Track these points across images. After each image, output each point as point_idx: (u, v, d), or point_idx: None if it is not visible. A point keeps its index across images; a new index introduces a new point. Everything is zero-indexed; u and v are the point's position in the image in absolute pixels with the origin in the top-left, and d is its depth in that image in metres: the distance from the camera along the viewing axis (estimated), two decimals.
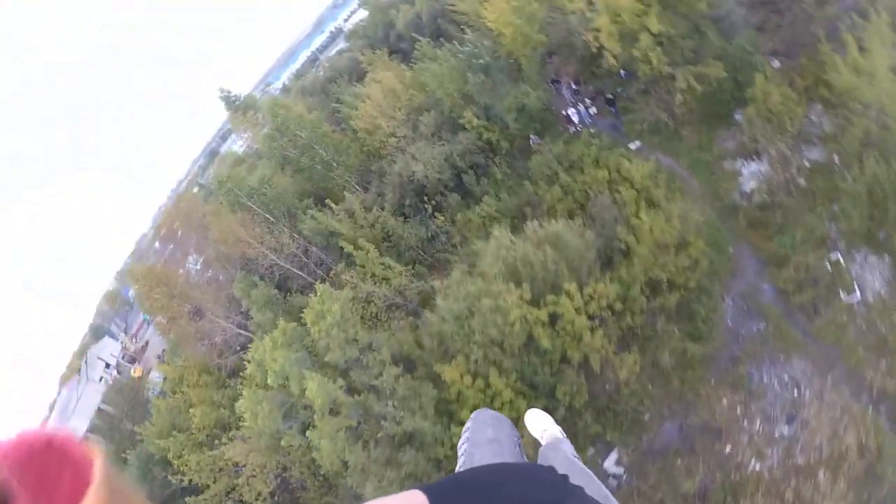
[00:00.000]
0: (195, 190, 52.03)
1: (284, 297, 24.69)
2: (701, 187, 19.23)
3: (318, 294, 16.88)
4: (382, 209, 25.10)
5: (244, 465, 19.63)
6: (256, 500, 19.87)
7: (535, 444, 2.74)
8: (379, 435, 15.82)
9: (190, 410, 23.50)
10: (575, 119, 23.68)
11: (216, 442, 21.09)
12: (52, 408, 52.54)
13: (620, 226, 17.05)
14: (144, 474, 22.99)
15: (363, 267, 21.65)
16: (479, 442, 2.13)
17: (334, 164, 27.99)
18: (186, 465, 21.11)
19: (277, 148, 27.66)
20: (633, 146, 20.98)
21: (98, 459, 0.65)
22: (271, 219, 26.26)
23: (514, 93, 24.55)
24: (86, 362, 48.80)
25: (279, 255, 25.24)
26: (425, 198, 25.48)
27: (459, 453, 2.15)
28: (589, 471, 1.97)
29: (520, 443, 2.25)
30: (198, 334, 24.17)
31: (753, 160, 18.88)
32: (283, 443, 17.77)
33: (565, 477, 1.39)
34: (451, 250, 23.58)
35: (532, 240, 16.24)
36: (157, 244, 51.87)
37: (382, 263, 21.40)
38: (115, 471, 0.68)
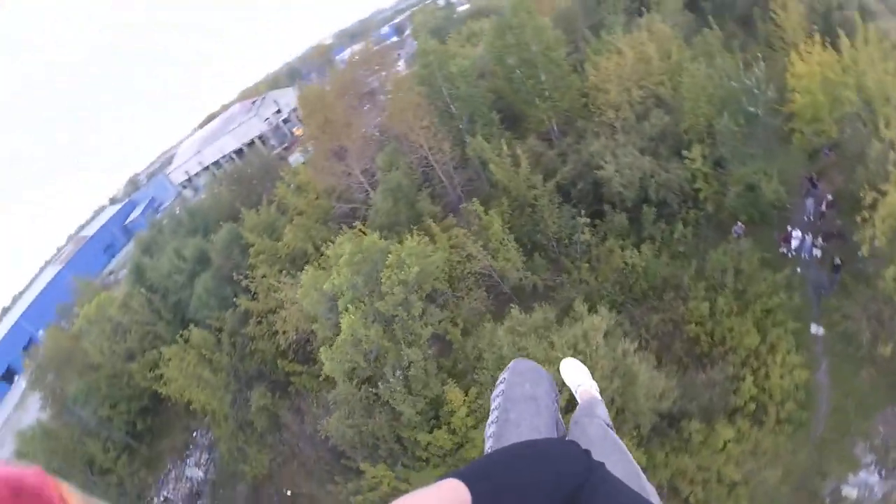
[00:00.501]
0: None
1: (414, 193, 26.06)
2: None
3: (407, 248, 18.04)
4: (553, 177, 24.22)
5: (288, 309, 23.34)
6: (279, 334, 23.91)
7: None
8: (372, 388, 17.97)
9: (287, 226, 27.40)
10: (793, 244, 20.16)
11: (284, 272, 24.95)
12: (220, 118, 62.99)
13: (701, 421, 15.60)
14: (229, 245, 28.10)
15: (486, 229, 22.11)
16: (515, 397, 2.06)
17: (546, 94, 26.84)
18: (254, 270, 25.49)
19: (500, 47, 26.91)
20: (814, 330, 17.81)
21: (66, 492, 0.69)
22: (447, 115, 26.78)
23: (759, 162, 21.12)
24: (264, 98, 56.64)
25: (433, 153, 26.26)
26: (594, 197, 24.30)
27: (493, 406, 2.11)
28: (622, 444, 2.02)
29: (558, 400, 2.18)
30: (329, 171, 27.02)
31: None
32: (314, 325, 20.78)
33: (588, 458, 1.45)
34: (574, 267, 23.03)
35: (616, 354, 15.61)
36: None
37: (502, 240, 21.69)
38: None
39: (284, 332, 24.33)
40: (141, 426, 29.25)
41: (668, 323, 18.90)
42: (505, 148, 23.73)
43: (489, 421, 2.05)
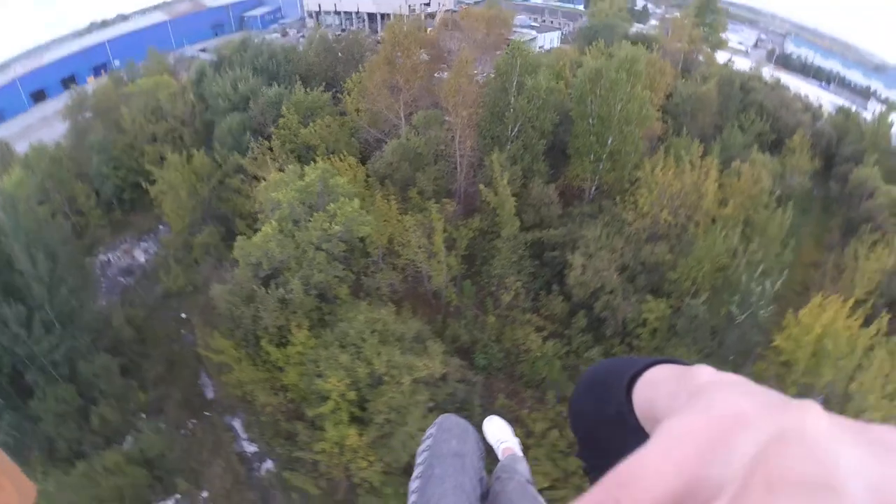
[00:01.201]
0: None
1: (422, 162, 30.35)
2: None
3: (351, 206, 22.90)
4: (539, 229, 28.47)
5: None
6: (253, 200, 29.32)
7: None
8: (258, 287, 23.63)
9: (318, 121, 32.40)
10: None
11: (289, 155, 30.38)
12: None
13: None
14: (272, 105, 33.65)
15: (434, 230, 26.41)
16: (442, 453, 2.25)
17: (601, 160, 29.93)
18: (270, 140, 30.99)
19: (588, 91, 29.41)
20: None
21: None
22: (498, 116, 30.29)
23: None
24: None
25: (461, 141, 30.22)
26: (556, 272, 27.94)
27: (418, 461, 2.28)
28: (541, 499, 2.25)
29: (483, 456, 2.41)
30: (379, 96, 31.38)
31: None
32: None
33: None
34: (484, 312, 27.31)
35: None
36: None
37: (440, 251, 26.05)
38: None
39: (256, 202, 30.19)
40: (127, 195, 36.84)
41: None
42: (504, 181, 27.22)
43: (414, 476, 2.30)
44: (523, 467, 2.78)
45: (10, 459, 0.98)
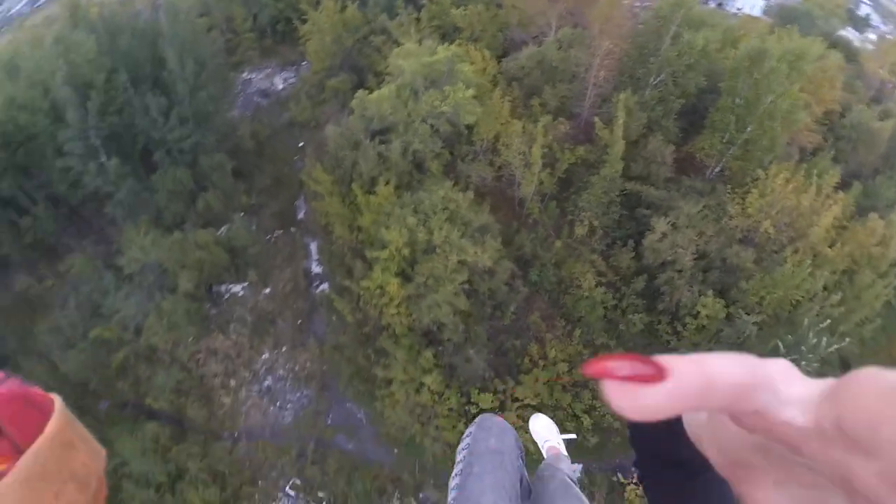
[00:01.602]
0: None
1: (548, 76, 31.99)
2: None
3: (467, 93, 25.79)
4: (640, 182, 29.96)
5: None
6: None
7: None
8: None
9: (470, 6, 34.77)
10: None
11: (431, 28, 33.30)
12: None
13: None
14: None
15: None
16: (480, 451, 2.37)
17: (734, 136, 29.97)
18: (403, 24, 33.96)
19: (744, 69, 29.29)
20: None
21: (58, 405, 1.11)
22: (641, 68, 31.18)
23: None
24: None
25: (596, 73, 31.58)
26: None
27: (458, 459, 2.40)
28: (584, 498, 2.39)
29: (523, 456, 2.53)
30: None
31: None
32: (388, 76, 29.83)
33: None
34: (554, 238, 29.76)
35: None
36: None
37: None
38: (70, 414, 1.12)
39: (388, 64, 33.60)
40: (280, 27, 41.62)
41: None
42: (620, 122, 28.27)
43: (453, 473, 2.44)
44: (566, 465, 2.96)
45: (80, 423, 1.18)
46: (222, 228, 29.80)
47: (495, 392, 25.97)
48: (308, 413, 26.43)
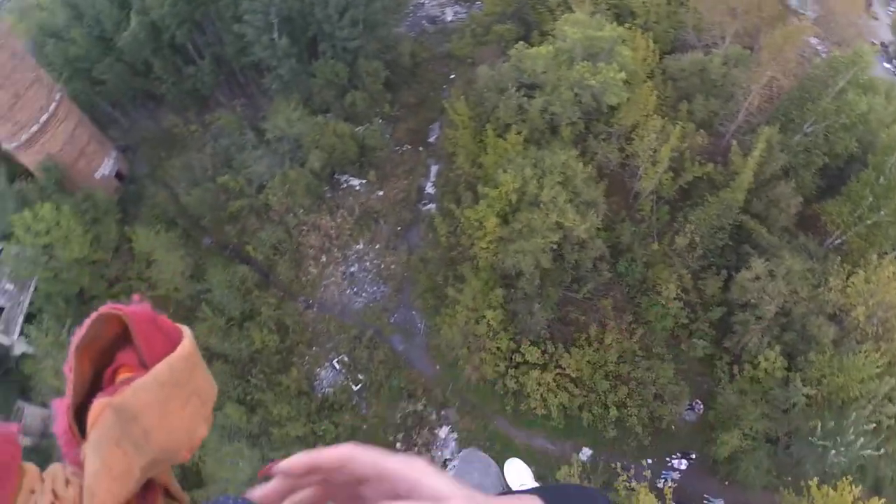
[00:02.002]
0: None
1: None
2: None
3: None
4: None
5: None
6: None
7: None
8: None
9: None
10: None
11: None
12: None
13: None
14: None
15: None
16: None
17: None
18: None
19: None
20: None
21: (188, 333, 1.24)
22: None
23: None
24: None
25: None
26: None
27: None
28: None
29: (504, 492, 2.50)
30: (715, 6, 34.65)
31: None
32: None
33: None
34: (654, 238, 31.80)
35: None
36: None
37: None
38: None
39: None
40: None
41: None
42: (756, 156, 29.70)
43: None
44: None
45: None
46: (360, 127, 34.13)
47: (544, 352, 28.97)
48: (377, 307, 30.68)
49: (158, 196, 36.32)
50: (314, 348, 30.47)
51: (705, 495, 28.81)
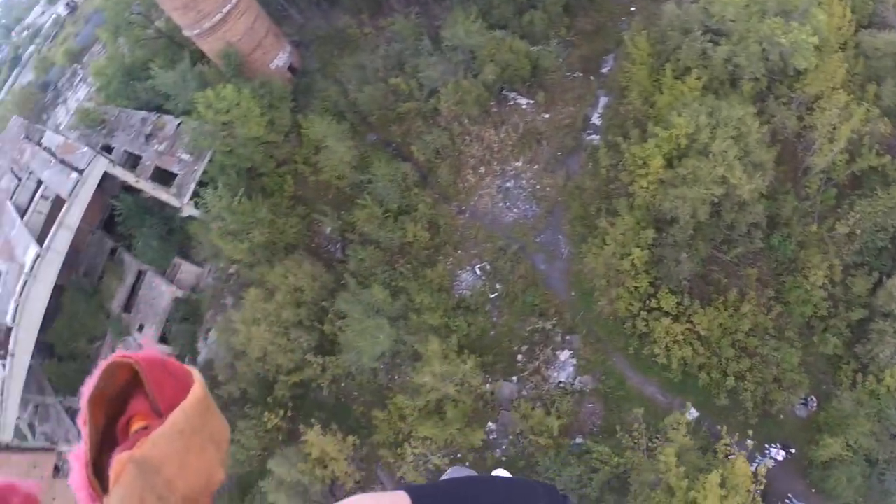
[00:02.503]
0: None
1: None
2: None
3: None
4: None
5: None
6: None
7: None
8: None
9: None
10: None
11: None
12: None
13: None
14: None
15: None
16: None
17: None
18: None
19: None
20: None
21: (198, 376, 1.33)
22: None
23: None
24: None
25: None
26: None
27: None
28: None
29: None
30: None
31: None
32: None
33: (565, 497, 2.08)
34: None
35: None
36: None
37: None
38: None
39: None
40: None
41: None
42: None
43: None
44: None
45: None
46: (536, 47, 36.56)
47: (679, 303, 31.20)
48: (526, 224, 34.03)
49: (329, 90, 40.81)
50: (459, 251, 34.19)
51: (789, 495, 30.07)
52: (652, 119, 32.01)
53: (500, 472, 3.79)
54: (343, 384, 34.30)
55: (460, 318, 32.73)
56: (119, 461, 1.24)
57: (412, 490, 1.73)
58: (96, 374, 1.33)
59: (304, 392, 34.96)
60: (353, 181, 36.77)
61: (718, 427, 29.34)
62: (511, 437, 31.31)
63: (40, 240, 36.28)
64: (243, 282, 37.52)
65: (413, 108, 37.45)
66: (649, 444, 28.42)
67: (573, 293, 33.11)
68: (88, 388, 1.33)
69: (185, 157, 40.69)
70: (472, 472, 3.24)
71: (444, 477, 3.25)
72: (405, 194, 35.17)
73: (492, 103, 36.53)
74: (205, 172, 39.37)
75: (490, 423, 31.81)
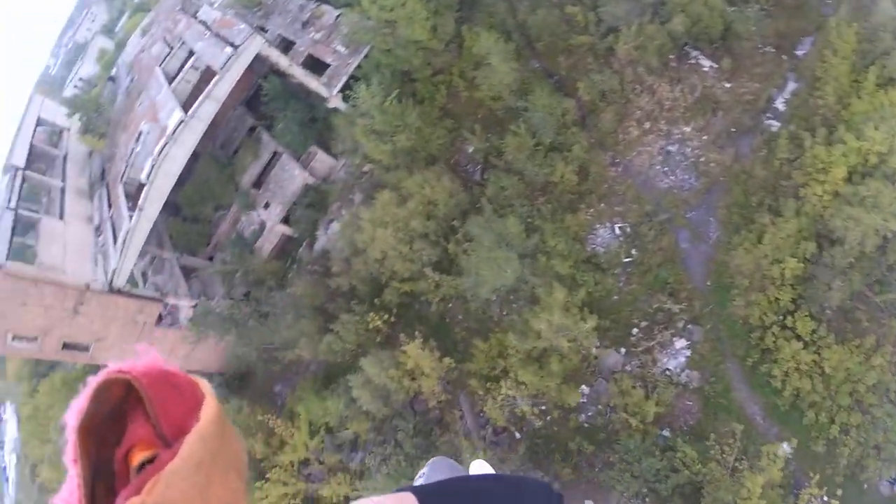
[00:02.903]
0: None
1: None
2: None
3: None
4: None
5: None
6: None
7: None
8: None
9: None
10: None
11: None
12: None
13: None
14: None
15: None
16: None
17: None
18: None
19: None
20: None
21: (207, 388, 1.20)
22: None
23: None
24: None
25: None
26: None
27: None
28: None
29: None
30: None
31: None
32: None
33: (560, 496, 2.12)
34: None
35: None
36: None
37: None
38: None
39: None
40: None
41: None
42: None
43: None
44: None
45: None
46: (734, 7, 34.08)
47: (814, 332, 29.07)
48: (679, 196, 33.18)
49: (497, 6, 39.50)
50: (603, 205, 33.48)
51: None
52: (844, 123, 29.88)
53: (481, 464, 3.88)
54: (450, 305, 34.77)
55: (588, 273, 32.46)
56: None
57: (418, 491, 1.74)
58: (86, 394, 1.13)
59: (410, 302, 35.86)
60: (509, 105, 36.09)
61: (810, 473, 27.85)
62: (600, 406, 31.33)
63: (185, 107, 37.20)
64: (376, 182, 37.99)
65: (586, 43, 35.99)
66: (736, 465, 27.90)
67: (709, 283, 32.08)
68: (76, 412, 1.12)
69: (341, 49, 40.78)
70: (456, 465, 3.30)
71: (425, 469, 3.24)
72: (561, 131, 34.29)
73: (671, 56, 34.80)
74: (358, 67, 39.40)
75: (584, 387, 31.81)
